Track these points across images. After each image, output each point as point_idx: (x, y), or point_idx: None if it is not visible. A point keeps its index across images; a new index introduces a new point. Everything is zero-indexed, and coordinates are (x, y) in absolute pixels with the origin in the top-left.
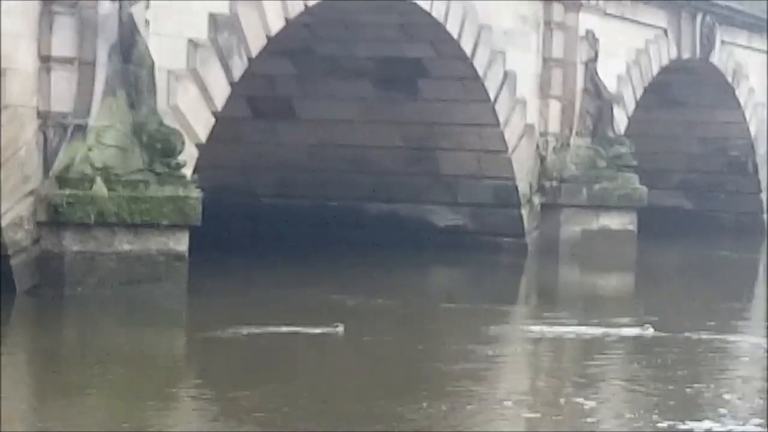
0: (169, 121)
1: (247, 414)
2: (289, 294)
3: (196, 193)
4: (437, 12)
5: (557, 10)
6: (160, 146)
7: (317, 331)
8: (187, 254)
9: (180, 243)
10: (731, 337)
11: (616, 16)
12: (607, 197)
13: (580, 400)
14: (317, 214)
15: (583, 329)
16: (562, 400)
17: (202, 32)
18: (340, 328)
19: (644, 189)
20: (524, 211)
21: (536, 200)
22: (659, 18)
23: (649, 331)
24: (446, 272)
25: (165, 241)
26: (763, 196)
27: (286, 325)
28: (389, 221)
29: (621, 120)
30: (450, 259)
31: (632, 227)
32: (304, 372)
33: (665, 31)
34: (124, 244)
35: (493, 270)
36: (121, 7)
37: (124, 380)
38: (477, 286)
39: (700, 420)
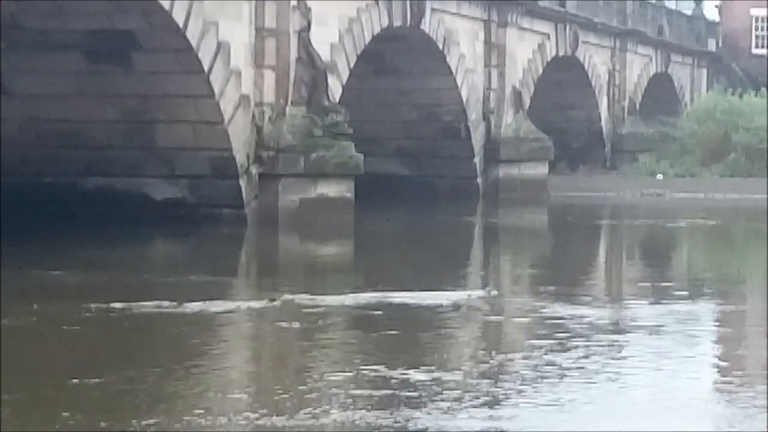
0: None
1: None
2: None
3: None
4: None
5: None
6: None
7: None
8: None
9: None
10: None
11: None
12: (324, 166)
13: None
14: (32, 191)
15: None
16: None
17: None
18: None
19: (360, 157)
20: (242, 182)
21: (254, 170)
22: None
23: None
24: (167, 245)
25: None
26: (477, 160)
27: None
28: (106, 196)
29: (336, 88)
30: (169, 232)
31: (349, 195)
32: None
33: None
34: None
35: (213, 242)
36: None
37: None
38: (203, 258)
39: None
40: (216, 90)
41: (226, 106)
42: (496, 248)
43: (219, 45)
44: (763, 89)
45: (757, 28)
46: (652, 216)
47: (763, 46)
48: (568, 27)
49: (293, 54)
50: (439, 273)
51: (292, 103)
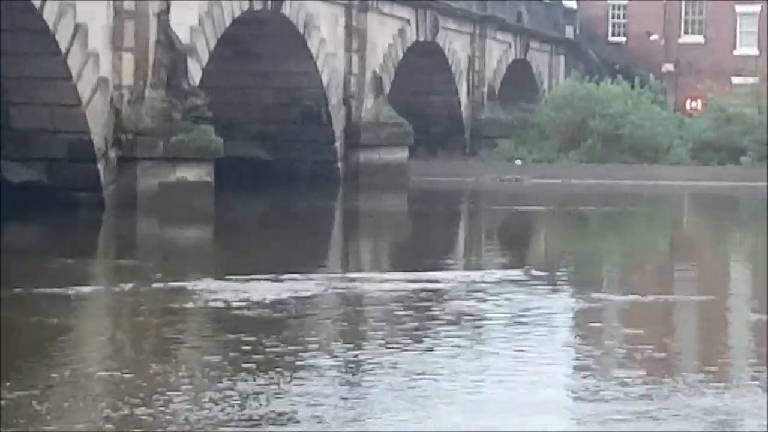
0: None
1: None
2: None
3: None
4: None
5: None
6: None
7: None
8: None
9: None
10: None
11: None
12: (184, 149)
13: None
14: None
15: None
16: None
17: None
18: None
19: (220, 140)
20: (100, 165)
21: (112, 154)
22: None
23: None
24: (24, 229)
25: None
26: (337, 144)
27: None
28: None
29: (195, 72)
30: (26, 216)
31: (209, 179)
32: None
33: None
34: None
35: (70, 225)
36: None
37: None
38: (61, 242)
39: None
40: (73, 72)
41: (84, 89)
42: (356, 232)
43: (77, 27)
44: (620, 77)
45: (613, 16)
46: (510, 201)
47: (619, 34)
48: (428, 13)
49: (152, 37)
50: (302, 256)
51: (151, 86)
